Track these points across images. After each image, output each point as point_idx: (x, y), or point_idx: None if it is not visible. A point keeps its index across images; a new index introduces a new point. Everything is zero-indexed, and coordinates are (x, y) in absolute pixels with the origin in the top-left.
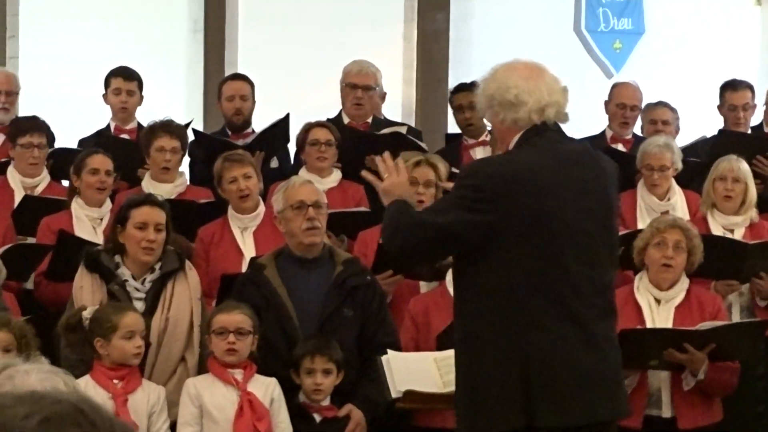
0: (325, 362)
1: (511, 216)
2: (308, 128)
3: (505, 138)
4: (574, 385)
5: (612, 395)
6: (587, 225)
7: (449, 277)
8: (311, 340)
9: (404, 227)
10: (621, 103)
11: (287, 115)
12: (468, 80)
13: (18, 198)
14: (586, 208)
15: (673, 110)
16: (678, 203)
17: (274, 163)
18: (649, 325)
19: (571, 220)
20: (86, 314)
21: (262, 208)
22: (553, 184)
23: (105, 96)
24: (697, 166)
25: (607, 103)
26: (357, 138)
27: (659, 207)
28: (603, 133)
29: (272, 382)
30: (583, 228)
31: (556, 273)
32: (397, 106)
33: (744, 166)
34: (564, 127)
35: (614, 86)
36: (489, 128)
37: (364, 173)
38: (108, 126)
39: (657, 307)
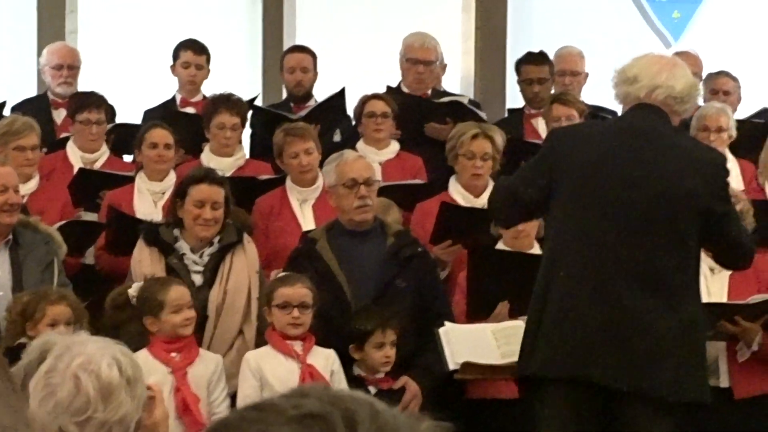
0: (393, 334)
1: (559, 172)
2: (365, 100)
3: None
4: (562, 341)
5: (606, 361)
6: (633, 194)
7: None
8: (372, 313)
9: (491, 195)
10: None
11: (343, 89)
12: (528, 50)
13: None
14: (636, 176)
15: (735, 80)
16: (732, 171)
17: (337, 137)
18: (704, 295)
19: (609, 186)
20: (132, 292)
21: (321, 181)
22: (596, 151)
23: (173, 68)
24: (755, 129)
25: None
26: (417, 105)
27: None
28: None
29: (331, 353)
30: (626, 197)
31: (581, 234)
32: (456, 78)
33: None
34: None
35: (674, 55)
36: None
37: None
38: (173, 98)
39: (711, 276)
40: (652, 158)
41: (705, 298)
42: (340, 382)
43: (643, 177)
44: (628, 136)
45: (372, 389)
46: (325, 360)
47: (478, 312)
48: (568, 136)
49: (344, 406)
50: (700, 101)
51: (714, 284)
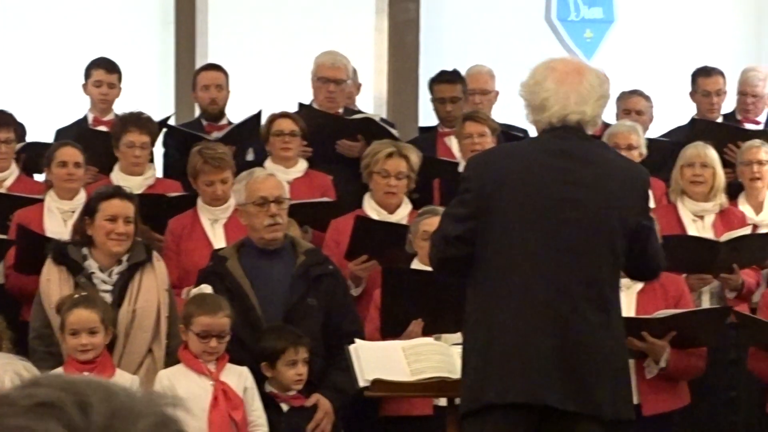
0: (305, 352)
1: (487, 198)
2: (272, 119)
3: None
4: (513, 366)
5: (555, 384)
6: (570, 215)
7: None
8: (284, 331)
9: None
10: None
11: (259, 112)
12: (441, 69)
13: None
14: (572, 198)
15: (647, 99)
16: None
17: (250, 156)
18: None
19: (546, 207)
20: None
21: (232, 200)
22: (528, 172)
23: (85, 86)
24: (664, 148)
25: None
26: (328, 122)
27: None
28: None
29: (244, 371)
30: (563, 217)
31: (522, 258)
32: (369, 97)
33: (711, 151)
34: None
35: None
36: None
37: None
38: (85, 117)
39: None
40: (585, 177)
41: None
42: (254, 399)
43: (580, 197)
44: (554, 156)
45: (284, 407)
46: (238, 377)
47: (391, 332)
48: (488, 162)
49: (76, 391)
50: (610, 118)
51: (622, 301)
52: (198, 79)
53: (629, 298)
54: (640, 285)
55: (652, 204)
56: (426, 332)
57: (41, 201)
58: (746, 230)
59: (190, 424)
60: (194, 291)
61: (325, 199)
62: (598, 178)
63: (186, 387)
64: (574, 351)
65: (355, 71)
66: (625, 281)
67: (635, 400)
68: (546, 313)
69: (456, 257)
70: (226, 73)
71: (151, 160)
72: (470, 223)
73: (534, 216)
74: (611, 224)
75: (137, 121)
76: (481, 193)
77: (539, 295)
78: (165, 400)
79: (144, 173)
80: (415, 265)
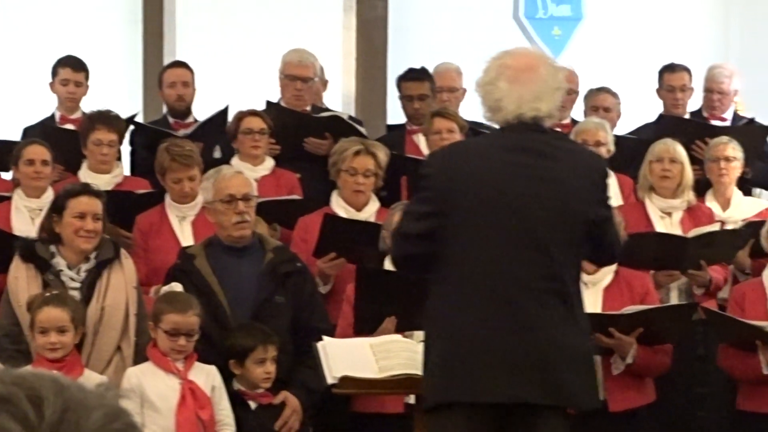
0: (274, 350)
1: (449, 194)
2: (240, 117)
3: None
4: (482, 364)
5: (526, 379)
6: (532, 210)
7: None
8: (253, 329)
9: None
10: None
11: (226, 107)
12: (409, 67)
13: None
14: (532, 193)
15: (615, 96)
16: (611, 186)
17: (218, 153)
18: None
19: (506, 203)
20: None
21: (200, 198)
22: (488, 168)
23: (52, 85)
24: (632, 145)
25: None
26: (296, 120)
27: None
28: None
29: (212, 370)
30: (525, 212)
31: (484, 254)
32: (338, 95)
33: (679, 147)
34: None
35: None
36: None
37: None
38: (53, 115)
39: (586, 290)
40: (544, 172)
41: None
42: (222, 398)
43: (539, 191)
44: (512, 152)
45: (252, 404)
46: (206, 376)
47: (365, 329)
48: (447, 159)
49: (28, 385)
50: (578, 115)
51: (588, 297)
52: (164, 76)
53: (595, 295)
54: (606, 281)
55: (618, 199)
56: (399, 329)
57: (8, 199)
58: (714, 227)
59: (157, 422)
60: (165, 288)
61: (294, 196)
62: (556, 172)
63: (154, 385)
64: (541, 345)
65: (322, 69)
66: (590, 278)
67: (601, 396)
68: (509, 310)
69: (417, 255)
70: (192, 71)
71: (119, 159)
72: (430, 221)
73: (494, 212)
74: (571, 217)
75: (105, 119)
76: (441, 191)
77: (502, 291)
78: (115, 393)
79: (112, 171)
80: (389, 261)
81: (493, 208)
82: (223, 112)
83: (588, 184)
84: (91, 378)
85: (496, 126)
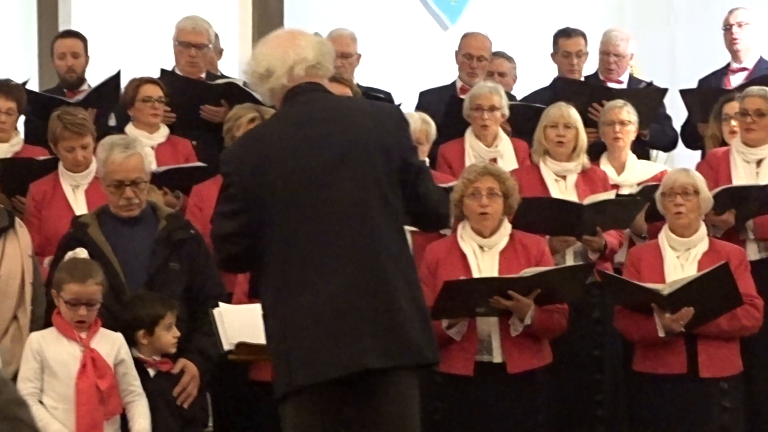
0: (175, 315)
1: (250, 191)
2: (138, 84)
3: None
4: (320, 341)
5: (368, 345)
6: (336, 179)
7: None
8: (154, 297)
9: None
10: (468, 53)
11: (118, 72)
12: None
13: None
14: (331, 163)
15: (510, 60)
16: (505, 150)
17: (112, 121)
18: (474, 272)
19: (311, 180)
20: None
21: (94, 165)
22: (285, 149)
23: None
24: (527, 110)
25: (456, 53)
26: (191, 87)
27: (487, 154)
28: (453, 83)
29: (119, 338)
30: (330, 184)
31: (305, 234)
32: (234, 62)
33: (574, 112)
34: (394, 78)
35: (463, 36)
36: None
37: None
38: None
39: (481, 254)
40: (337, 135)
41: (476, 275)
42: (131, 367)
43: (338, 157)
44: (303, 127)
45: (151, 372)
46: (111, 345)
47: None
48: (243, 153)
49: None
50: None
51: (485, 261)
52: (55, 47)
53: (491, 258)
54: (501, 245)
55: (515, 165)
56: None
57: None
58: (610, 194)
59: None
60: (69, 254)
61: (196, 164)
62: (350, 131)
63: (55, 351)
64: (381, 308)
65: (217, 36)
66: (486, 241)
67: (499, 359)
68: (343, 281)
69: (237, 253)
70: (84, 40)
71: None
72: (242, 218)
73: (302, 192)
74: (376, 173)
75: (3, 87)
76: (244, 185)
77: (331, 264)
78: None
79: (10, 140)
80: None
81: (298, 190)
82: (116, 77)
83: (384, 133)
84: None
85: (276, 99)
